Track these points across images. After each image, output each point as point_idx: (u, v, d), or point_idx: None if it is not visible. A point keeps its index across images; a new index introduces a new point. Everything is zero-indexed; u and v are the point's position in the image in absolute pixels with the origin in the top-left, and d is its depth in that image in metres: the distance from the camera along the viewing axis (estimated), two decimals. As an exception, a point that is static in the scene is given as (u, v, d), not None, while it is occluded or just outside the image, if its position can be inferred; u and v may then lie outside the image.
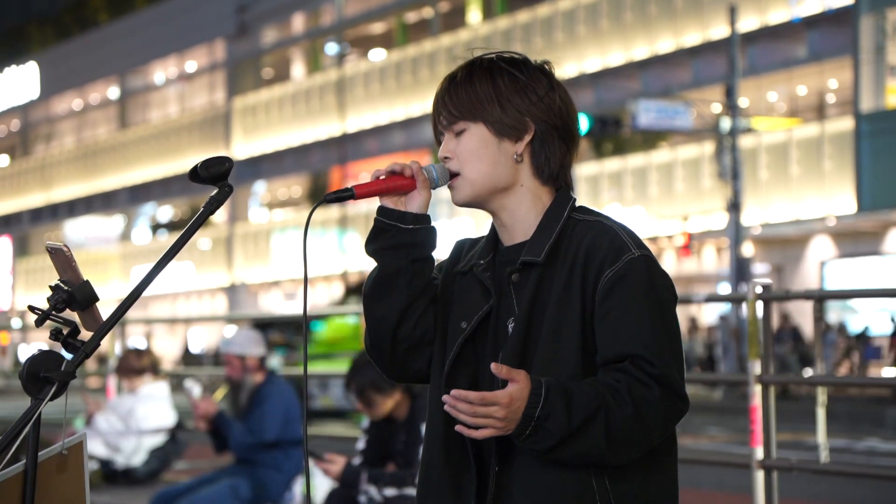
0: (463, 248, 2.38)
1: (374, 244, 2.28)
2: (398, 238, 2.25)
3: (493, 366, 2.10)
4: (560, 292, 2.21)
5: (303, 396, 2.33)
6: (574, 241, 2.23)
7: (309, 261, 2.34)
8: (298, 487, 6.57)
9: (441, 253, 2.34)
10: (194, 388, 6.86)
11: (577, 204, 2.32)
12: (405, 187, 2.27)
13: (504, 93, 2.26)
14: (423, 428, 5.08)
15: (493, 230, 2.34)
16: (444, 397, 2.10)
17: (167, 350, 39.67)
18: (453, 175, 2.29)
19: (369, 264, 2.33)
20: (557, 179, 2.30)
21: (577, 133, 2.33)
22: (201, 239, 43.73)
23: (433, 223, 2.29)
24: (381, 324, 2.28)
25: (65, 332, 2.15)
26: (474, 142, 2.27)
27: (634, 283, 2.18)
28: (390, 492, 5.10)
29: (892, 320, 23.62)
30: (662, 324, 2.18)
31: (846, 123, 26.58)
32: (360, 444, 5.43)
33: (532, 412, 2.08)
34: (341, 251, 36.39)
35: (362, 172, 38.37)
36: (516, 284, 2.25)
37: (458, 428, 2.10)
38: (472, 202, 2.29)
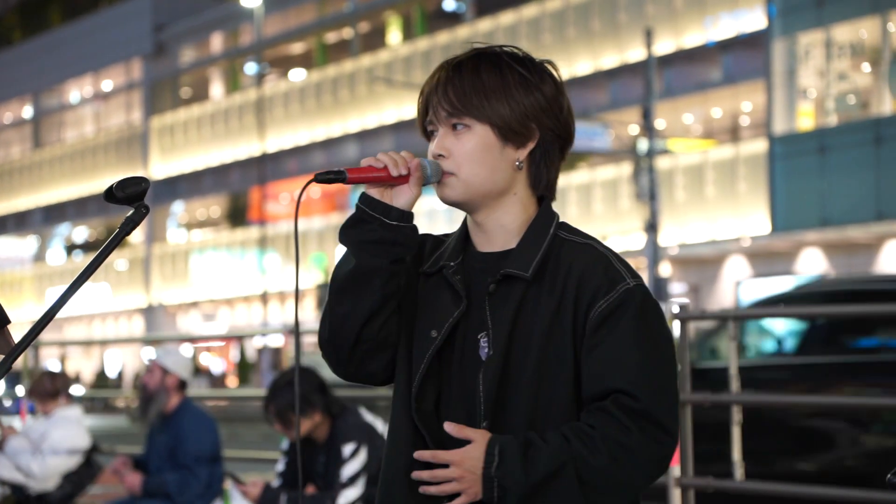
0: (426, 246, 2.22)
1: (352, 234, 2.10)
2: (380, 233, 2.08)
3: (446, 426, 2.03)
4: (549, 320, 2.08)
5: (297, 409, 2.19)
6: (563, 262, 2.11)
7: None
8: (217, 511, 6.50)
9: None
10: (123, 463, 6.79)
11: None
12: (399, 180, 2.10)
13: (512, 90, 2.11)
14: (344, 449, 5.08)
15: (465, 231, 2.19)
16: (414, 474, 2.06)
17: (82, 372, 39.04)
18: (445, 174, 2.12)
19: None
20: (548, 190, 2.18)
21: (572, 142, 2.21)
22: (118, 260, 43.15)
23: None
24: (346, 321, 2.11)
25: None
26: (477, 143, 2.11)
27: (626, 315, 2.06)
28: (310, 514, 5.06)
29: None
30: (652, 356, 2.06)
31: (760, 145, 27.07)
32: (280, 466, 5.39)
33: (489, 471, 2.01)
34: (261, 272, 36.14)
35: (282, 193, 38.17)
36: (492, 296, 2.11)
37: (422, 489, 2.04)
38: (460, 204, 2.14)
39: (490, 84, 2.10)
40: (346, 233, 2.11)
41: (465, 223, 2.20)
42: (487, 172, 2.11)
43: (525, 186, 2.15)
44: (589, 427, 2.03)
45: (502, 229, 2.15)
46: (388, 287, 2.10)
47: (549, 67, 2.19)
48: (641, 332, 2.06)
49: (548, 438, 2.03)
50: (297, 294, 2.18)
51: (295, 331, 2.19)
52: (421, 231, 2.16)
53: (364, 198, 2.10)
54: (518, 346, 2.08)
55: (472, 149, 2.11)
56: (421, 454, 2.05)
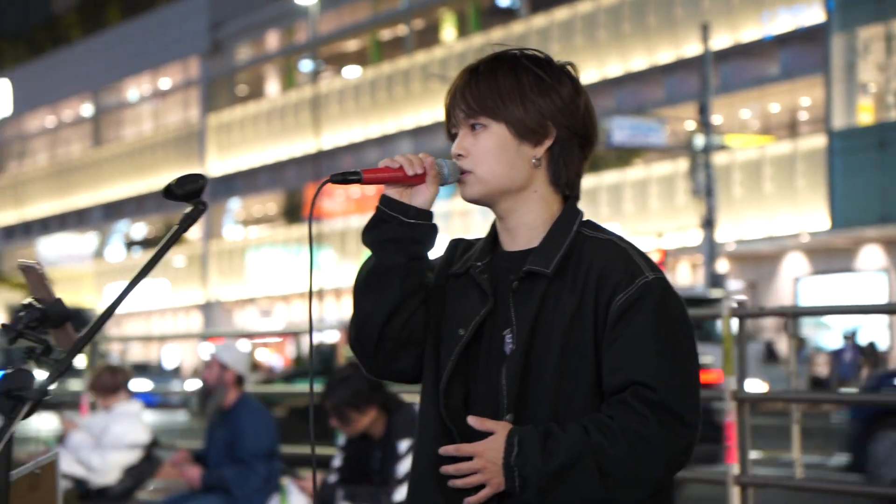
0: (457, 249, 2.28)
1: (372, 234, 2.18)
2: (398, 231, 2.16)
3: (469, 419, 2.10)
4: (571, 315, 2.12)
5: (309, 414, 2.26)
6: (584, 258, 2.14)
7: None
8: (274, 506, 6.54)
9: (435, 252, 2.26)
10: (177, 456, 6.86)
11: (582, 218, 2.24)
12: (415, 179, 2.17)
13: (528, 92, 2.17)
14: (400, 445, 5.09)
15: (494, 231, 2.25)
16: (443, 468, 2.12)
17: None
18: (464, 172, 2.19)
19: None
20: (571, 188, 2.22)
21: (595, 142, 2.24)
22: (176, 256, 43.56)
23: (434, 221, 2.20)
24: (369, 318, 2.19)
25: (38, 350, 2.14)
26: (493, 142, 2.17)
27: (645, 308, 2.09)
28: (366, 510, 5.08)
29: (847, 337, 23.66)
30: (670, 347, 2.09)
31: (818, 141, 26.77)
32: (337, 462, 5.41)
33: (509, 461, 2.06)
34: (317, 268, 36.33)
35: (338, 189, 38.29)
36: (516, 293, 2.16)
37: (450, 482, 2.10)
38: (480, 201, 2.20)
39: (505, 86, 2.17)
40: (367, 234, 2.19)
41: (493, 225, 2.26)
42: (504, 169, 2.17)
43: (546, 184, 2.20)
44: (608, 418, 2.07)
45: (526, 227, 2.20)
46: (407, 284, 2.17)
47: (569, 69, 2.23)
48: (660, 324, 2.09)
49: (567, 429, 2.07)
50: (311, 296, 2.23)
51: (309, 333, 2.22)
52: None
53: (383, 198, 2.18)
54: (540, 341, 2.13)
55: (488, 147, 2.17)
56: (445, 449, 2.11)
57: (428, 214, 2.17)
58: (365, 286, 2.19)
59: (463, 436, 2.15)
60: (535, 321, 2.13)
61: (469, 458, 2.10)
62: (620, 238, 2.19)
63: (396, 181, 2.17)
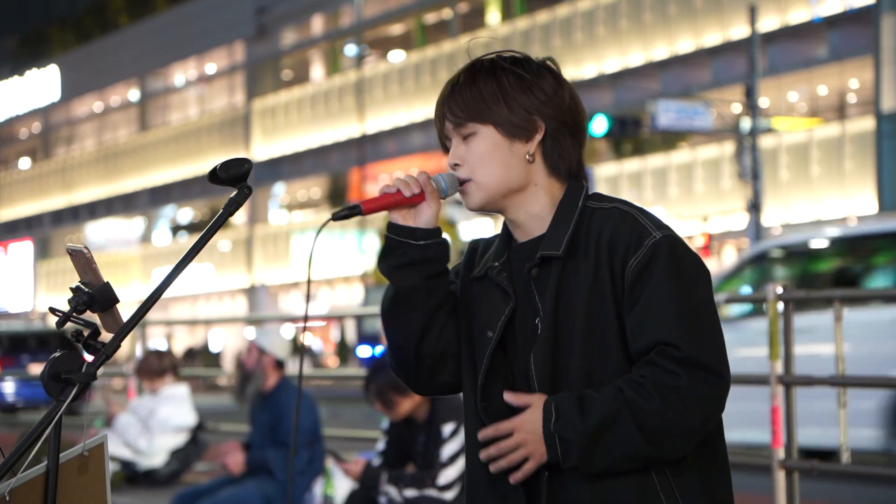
0: (477, 250, 2.33)
1: (386, 262, 2.23)
2: (410, 255, 2.20)
3: (506, 395, 2.15)
4: (589, 287, 2.16)
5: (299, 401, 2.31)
6: (593, 230, 2.18)
7: (318, 266, 2.31)
8: (319, 488, 6.58)
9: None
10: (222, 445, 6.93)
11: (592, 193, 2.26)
12: (414, 199, 2.21)
13: (510, 91, 2.22)
14: (444, 429, 5.11)
15: (506, 228, 2.29)
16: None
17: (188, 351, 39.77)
18: (463, 182, 2.23)
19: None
20: (575, 176, 2.25)
21: (586, 128, 2.29)
22: (221, 241, 43.83)
23: (457, 223, 2.25)
24: (402, 345, 2.25)
25: (85, 333, 2.16)
26: (485, 145, 2.22)
27: (658, 268, 2.13)
28: (410, 493, 5.10)
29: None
30: (689, 303, 2.13)
31: (867, 123, 26.47)
32: (380, 445, 5.44)
33: (549, 428, 2.11)
34: (360, 252, 36.44)
35: (381, 174, 38.40)
36: (537, 280, 2.20)
37: (492, 466, 2.14)
38: (484, 206, 2.24)
39: (487, 90, 2.23)
40: (381, 263, 2.23)
41: (505, 223, 2.30)
42: (501, 171, 2.21)
43: (545, 176, 2.24)
44: (640, 377, 2.12)
45: (535, 218, 2.24)
46: (430, 303, 2.22)
47: (549, 64, 2.28)
48: (674, 282, 2.13)
49: (601, 391, 2.12)
50: (306, 320, 2.25)
51: (300, 355, 2.25)
52: None
53: (390, 226, 2.23)
54: (564, 320, 2.17)
55: (481, 151, 2.22)
56: (484, 433, 2.14)
57: (436, 232, 2.22)
58: (390, 315, 2.25)
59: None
60: (557, 301, 2.17)
61: (509, 437, 2.14)
62: (625, 202, 2.22)
63: (397, 205, 2.21)
